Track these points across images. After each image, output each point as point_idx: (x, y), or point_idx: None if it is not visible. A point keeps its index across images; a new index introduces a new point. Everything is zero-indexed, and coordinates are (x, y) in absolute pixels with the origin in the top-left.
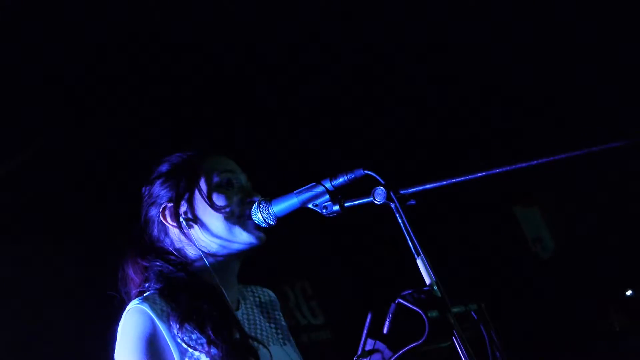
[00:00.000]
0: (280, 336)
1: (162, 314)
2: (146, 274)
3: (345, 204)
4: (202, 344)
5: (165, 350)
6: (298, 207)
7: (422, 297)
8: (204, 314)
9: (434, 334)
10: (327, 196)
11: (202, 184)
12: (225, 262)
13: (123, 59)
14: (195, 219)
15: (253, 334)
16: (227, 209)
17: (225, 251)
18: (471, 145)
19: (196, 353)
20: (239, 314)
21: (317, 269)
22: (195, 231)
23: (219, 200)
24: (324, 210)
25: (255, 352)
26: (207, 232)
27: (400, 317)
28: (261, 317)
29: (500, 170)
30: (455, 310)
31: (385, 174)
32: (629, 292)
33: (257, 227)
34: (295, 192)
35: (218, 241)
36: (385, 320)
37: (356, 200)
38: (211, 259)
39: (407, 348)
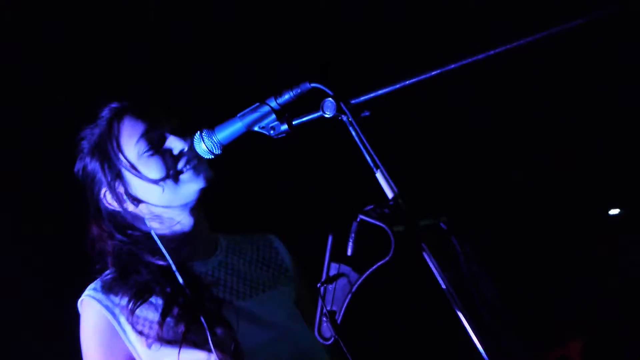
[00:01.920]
0: (271, 280)
1: (112, 302)
2: (109, 248)
3: (294, 122)
4: (153, 326)
5: (119, 344)
6: (244, 132)
7: (386, 212)
8: (157, 292)
9: (402, 249)
10: (274, 116)
11: (125, 160)
12: (185, 220)
13: None
14: (136, 196)
15: (228, 285)
16: (161, 175)
17: (180, 211)
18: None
19: (149, 339)
20: (211, 262)
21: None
22: (143, 207)
23: (148, 170)
24: (272, 132)
25: (224, 321)
26: (154, 205)
27: (363, 235)
28: (248, 265)
29: (466, 61)
30: (423, 223)
31: (334, 86)
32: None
33: (197, 170)
34: (238, 115)
35: (169, 210)
36: (347, 241)
37: (305, 117)
38: (167, 227)
39: (373, 268)
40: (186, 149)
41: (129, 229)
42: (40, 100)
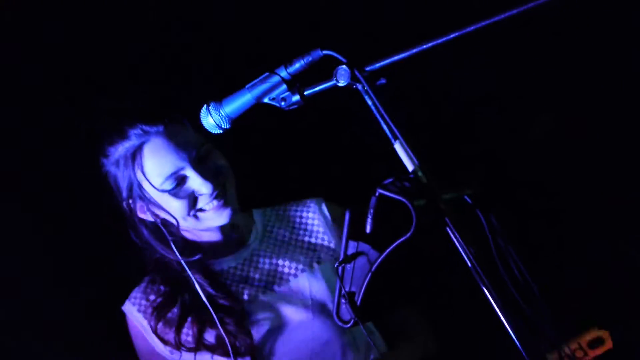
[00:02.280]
0: (309, 259)
1: (145, 312)
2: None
3: (306, 92)
4: (173, 335)
5: (154, 348)
6: (253, 104)
7: (406, 185)
8: (173, 305)
9: (424, 225)
10: (284, 86)
11: (150, 189)
12: (213, 229)
13: None
14: (159, 215)
15: (257, 277)
16: (182, 215)
17: (203, 231)
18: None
19: (172, 348)
20: (243, 253)
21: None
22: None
23: (169, 208)
24: (283, 103)
25: (247, 331)
26: (175, 225)
27: (383, 211)
28: (287, 245)
29: (485, 23)
30: (446, 197)
31: (348, 53)
32: None
33: (223, 208)
34: (247, 86)
35: (190, 230)
36: (366, 217)
37: (317, 86)
38: (193, 234)
39: (394, 245)
40: (210, 191)
41: (147, 240)
42: (40, 99)
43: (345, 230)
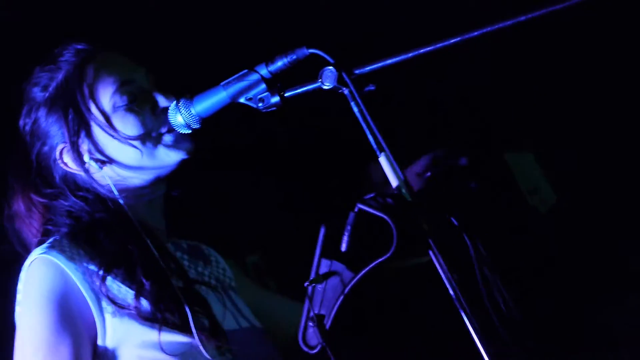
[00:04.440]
0: (227, 281)
1: (76, 264)
2: (48, 216)
3: (286, 94)
4: (129, 298)
5: (82, 310)
6: (227, 103)
7: (389, 202)
8: (134, 259)
9: (405, 246)
10: (264, 85)
11: (98, 112)
12: (153, 191)
13: None
14: (103, 157)
15: (200, 270)
16: (140, 134)
17: (150, 181)
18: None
19: (122, 310)
20: (179, 243)
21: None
22: (109, 170)
23: (125, 126)
24: (260, 104)
25: (202, 300)
26: (124, 168)
27: (361, 228)
28: (200, 262)
29: (485, 30)
30: (431, 216)
31: (336, 53)
32: None
33: (181, 137)
34: (222, 83)
35: (140, 174)
36: (342, 234)
37: (300, 88)
38: (133, 195)
39: (371, 266)
40: (172, 106)
41: (80, 191)
42: None
43: (318, 246)
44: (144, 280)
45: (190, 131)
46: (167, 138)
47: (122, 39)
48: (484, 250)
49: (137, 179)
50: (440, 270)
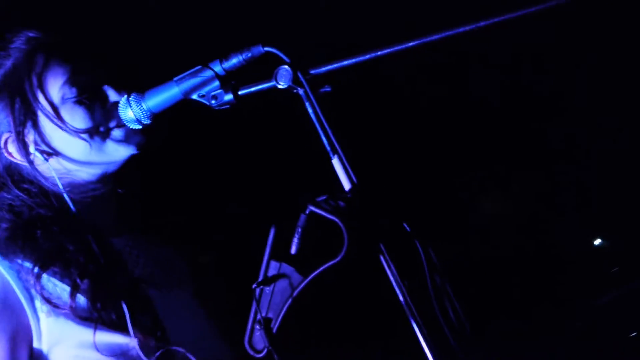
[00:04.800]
0: (178, 278)
1: (10, 261)
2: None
3: (240, 92)
4: (65, 296)
5: (16, 310)
6: (180, 99)
7: (341, 205)
8: (69, 256)
9: (356, 249)
10: (217, 82)
11: (46, 102)
12: (100, 187)
13: None
14: (50, 149)
15: (148, 270)
16: (87, 126)
17: (98, 175)
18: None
19: (57, 310)
20: (126, 239)
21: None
22: (55, 162)
23: (73, 118)
24: (213, 101)
25: (145, 298)
26: (71, 161)
27: (312, 230)
28: (157, 256)
29: (445, 34)
30: (383, 221)
31: (292, 53)
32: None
33: (131, 132)
34: (175, 79)
35: (87, 168)
36: (292, 236)
37: (254, 86)
38: (78, 191)
39: (320, 269)
40: (123, 100)
41: (29, 186)
42: None
43: (267, 248)
44: (78, 279)
45: (140, 127)
46: (117, 133)
47: (77, 30)
48: (435, 257)
49: (84, 172)
50: (390, 276)
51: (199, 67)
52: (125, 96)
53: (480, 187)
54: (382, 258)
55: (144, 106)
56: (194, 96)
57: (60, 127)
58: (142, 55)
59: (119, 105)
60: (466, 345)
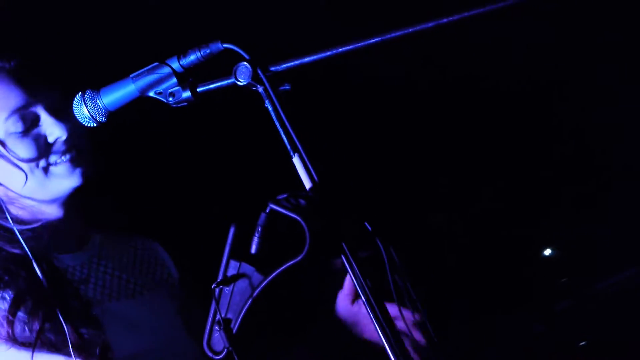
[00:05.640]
0: (156, 280)
1: None
2: None
3: (199, 89)
4: (2, 325)
5: None
6: (136, 96)
7: (302, 203)
8: (4, 282)
9: (317, 248)
10: (175, 79)
11: None
12: (51, 211)
13: None
14: None
15: (100, 283)
16: (29, 158)
17: (47, 204)
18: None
19: None
20: (81, 255)
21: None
22: (1, 190)
23: (16, 150)
24: (171, 98)
25: (92, 318)
26: (14, 193)
27: (272, 229)
28: (125, 264)
29: (409, 30)
30: (344, 220)
31: (252, 49)
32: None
33: (75, 163)
34: (131, 76)
35: (30, 201)
36: (252, 235)
37: (212, 83)
38: (29, 213)
39: (281, 269)
40: (65, 137)
41: None
42: None
43: (227, 247)
44: (11, 302)
45: (95, 124)
46: (58, 168)
47: (25, 50)
48: (396, 256)
49: (29, 202)
50: (351, 275)
51: (156, 63)
52: (80, 93)
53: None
54: (343, 257)
55: (99, 103)
56: (151, 93)
57: (2, 156)
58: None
59: (73, 103)
60: (429, 346)
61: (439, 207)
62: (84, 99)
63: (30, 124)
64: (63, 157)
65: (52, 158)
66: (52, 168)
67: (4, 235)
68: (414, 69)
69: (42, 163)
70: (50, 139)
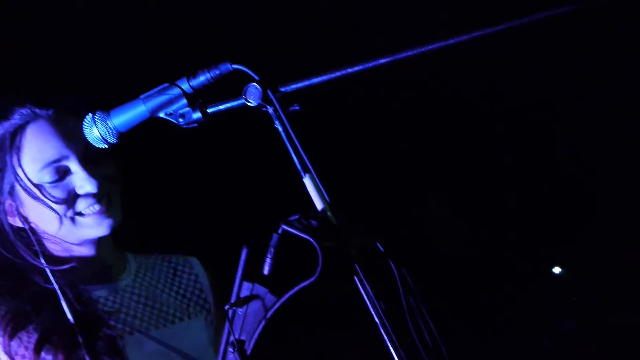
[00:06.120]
0: (193, 307)
1: None
2: None
3: (209, 109)
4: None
5: None
6: (146, 117)
7: (314, 224)
8: (32, 317)
9: (330, 270)
10: (185, 100)
11: (25, 179)
12: (83, 249)
13: None
14: (28, 218)
15: (132, 313)
16: (59, 208)
17: (76, 247)
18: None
19: None
20: (114, 286)
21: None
22: (35, 225)
23: (46, 197)
24: (181, 120)
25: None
26: (47, 234)
27: (284, 250)
28: (160, 291)
29: (419, 50)
30: (357, 242)
31: (261, 70)
32: (557, 270)
33: (101, 217)
34: (141, 97)
35: (62, 243)
36: (265, 256)
37: (223, 104)
38: (62, 249)
39: (294, 290)
40: (95, 191)
41: (12, 244)
42: None
43: (240, 268)
44: (38, 337)
45: (106, 145)
46: (85, 219)
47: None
48: (410, 278)
49: (59, 246)
50: (365, 297)
51: (166, 84)
52: (90, 115)
53: (451, 209)
54: (356, 279)
55: (110, 124)
56: (161, 114)
57: (36, 199)
58: (110, 74)
59: (84, 124)
60: None
61: (449, 226)
62: (94, 120)
63: (62, 175)
64: (92, 209)
65: (80, 208)
66: (79, 219)
67: (36, 269)
68: (424, 88)
69: (70, 213)
70: (80, 192)
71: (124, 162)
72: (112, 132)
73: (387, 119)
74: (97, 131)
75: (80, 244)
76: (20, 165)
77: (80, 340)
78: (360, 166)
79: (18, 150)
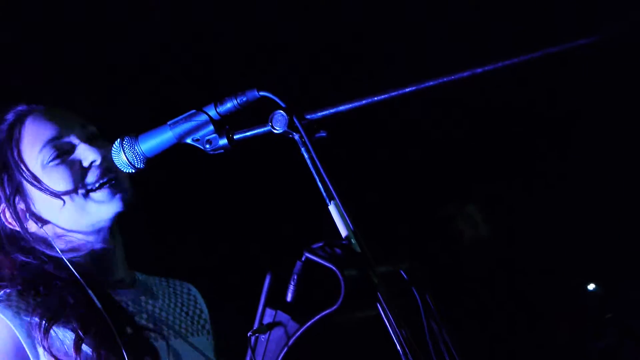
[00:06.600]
0: (195, 326)
1: (21, 319)
2: (9, 265)
3: (235, 136)
4: (70, 351)
5: None
6: (174, 143)
7: (337, 252)
8: (70, 312)
9: (353, 298)
10: (212, 127)
11: (27, 170)
12: (97, 246)
13: None
14: (40, 215)
15: (151, 320)
16: (67, 188)
17: (92, 236)
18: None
19: None
20: (130, 292)
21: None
22: (49, 228)
23: (52, 182)
24: (208, 146)
25: (151, 348)
26: (60, 227)
27: (308, 278)
28: (167, 307)
29: (440, 80)
30: (380, 269)
31: (288, 97)
32: (591, 287)
33: (114, 190)
34: (169, 123)
35: (77, 233)
36: (288, 283)
37: (249, 131)
38: (78, 253)
39: (317, 317)
40: (99, 160)
41: (33, 252)
42: None
43: (263, 295)
44: (80, 332)
45: (134, 171)
46: (97, 193)
47: (61, 90)
48: (433, 305)
49: (76, 236)
50: (387, 325)
51: (193, 111)
52: (119, 140)
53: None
54: (379, 306)
55: (138, 150)
56: (188, 140)
57: (41, 190)
58: (137, 99)
59: (112, 149)
60: None
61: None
62: (122, 146)
63: (64, 152)
64: (101, 180)
65: (90, 182)
66: (91, 194)
67: (62, 271)
68: (451, 114)
69: (81, 190)
70: (85, 163)
71: (147, 190)
72: (140, 157)
73: (414, 144)
74: (124, 157)
75: (93, 233)
76: (21, 159)
77: (118, 339)
78: (384, 192)
79: (18, 142)
